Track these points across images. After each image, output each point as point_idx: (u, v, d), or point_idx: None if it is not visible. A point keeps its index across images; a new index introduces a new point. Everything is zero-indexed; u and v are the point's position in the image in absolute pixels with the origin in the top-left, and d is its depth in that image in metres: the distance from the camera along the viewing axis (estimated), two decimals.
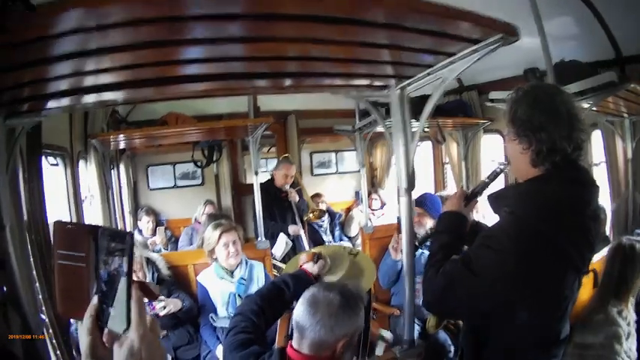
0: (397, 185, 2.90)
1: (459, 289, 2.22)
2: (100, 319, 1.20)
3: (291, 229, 6.48)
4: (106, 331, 1.20)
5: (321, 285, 2.43)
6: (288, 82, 2.75)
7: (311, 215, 6.78)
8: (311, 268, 3.16)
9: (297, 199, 6.64)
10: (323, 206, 7.82)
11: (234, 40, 1.76)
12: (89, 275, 1.21)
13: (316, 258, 3.22)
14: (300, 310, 2.31)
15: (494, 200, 2.42)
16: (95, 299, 1.18)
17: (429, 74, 2.56)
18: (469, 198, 2.73)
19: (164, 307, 4.12)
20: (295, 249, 6.44)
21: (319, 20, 1.61)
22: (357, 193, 8.69)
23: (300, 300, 2.35)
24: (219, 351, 4.21)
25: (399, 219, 3.10)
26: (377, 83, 2.89)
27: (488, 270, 2.13)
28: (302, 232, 6.55)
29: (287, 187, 6.54)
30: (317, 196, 8.03)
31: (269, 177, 6.75)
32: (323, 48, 2.03)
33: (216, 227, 4.43)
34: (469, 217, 2.71)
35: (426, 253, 4.10)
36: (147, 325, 1.13)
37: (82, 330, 1.22)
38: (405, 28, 1.84)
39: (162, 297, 4.20)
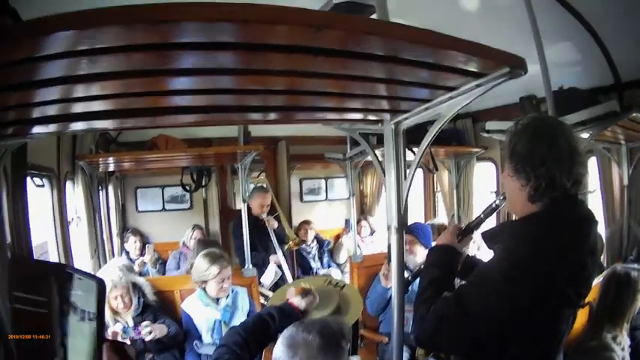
0: (388, 223, 2.84)
1: (450, 328, 2.17)
2: None
3: (272, 258, 6.48)
4: None
5: (300, 324, 2.38)
6: (278, 116, 2.70)
7: (291, 244, 6.79)
8: (298, 302, 3.11)
9: (276, 225, 6.65)
10: (312, 233, 7.85)
11: (225, 71, 1.72)
12: (52, 324, 1.11)
13: (304, 293, 3.18)
14: (278, 351, 2.27)
15: (490, 238, 2.38)
16: (61, 354, 1.09)
17: (426, 109, 2.50)
18: (464, 233, 2.70)
19: (150, 332, 4.07)
20: (283, 278, 6.42)
21: (313, 52, 1.58)
22: (347, 221, 8.65)
23: (279, 340, 2.32)
24: None
25: (389, 247, 3.06)
26: (371, 117, 2.84)
27: (480, 309, 2.09)
28: (283, 261, 6.52)
29: (264, 215, 6.55)
30: (306, 223, 8.06)
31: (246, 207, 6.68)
32: (316, 81, 1.99)
33: (214, 262, 4.37)
34: (463, 252, 2.68)
35: (416, 282, 4.11)
36: None
37: None
38: (401, 60, 1.78)
39: (148, 322, 4.16)
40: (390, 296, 4.60)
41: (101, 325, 1.03)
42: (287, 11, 1.33)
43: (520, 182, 2.21)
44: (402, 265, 2.80)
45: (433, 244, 2.82)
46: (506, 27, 4.48)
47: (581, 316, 3.19)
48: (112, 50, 1.37)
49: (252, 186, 7.31)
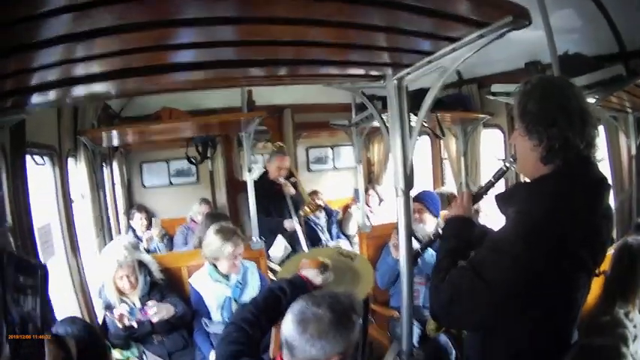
0: (394, 185, 2.77)
1: (466, 296, 2.14)
2: None
3: (287, 223, 6.36)
4: None
5: (309, 298, 2.31)
6: (280, 70, 2.64)
7: (307, 209, 6.67)
8: (314, 276, 3.04)
9: (293, 191, 6.53)
10: (320, 203, 7.70)
11: (225, 20, 1.66)
12: None
13: (322, 268, 3.11)
14: (288, 327, 2.22)
15: (503, 200, 2.36)
16: (7, 350, 1.00)
17: (429, 62, 2.42)
18: (475, 199, 2.71)
19: (156, 313, 4.00)
20: (293, 248, 6.35)
21: None
22: (356, 191, 8.57)
23: (288, 315, 2.27)
24: (213, 357, 4.10)
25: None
26: (373, 73, 2.78)
27: (498, 276, 2.05)
28: (298, 227, 6.43)
29: (281, 179, 6.43)
30: (314, 193, 7.97)
31: (263, 170, 6.66)
32: (318, 31, 1.93)
33: (227, 239, 4.26)
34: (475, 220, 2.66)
35: (429, 252, 4.04)
36: None
37: None
38: (403, 6, 1.73)
39: (154, 302, 4.09)
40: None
41: (45, 313, 0.94)
42: None
43: (532, 142, 2.16)
44: (410, 230, 2.78)
45: (445, 213, 2.79)
46: None
47: (595, 289, 3.11)
48: (110, 2, 1.31)
49: (260, 157, 7.25)
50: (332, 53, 2.34)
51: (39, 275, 0.97)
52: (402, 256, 2.79)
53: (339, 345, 2.17)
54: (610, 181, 4.43)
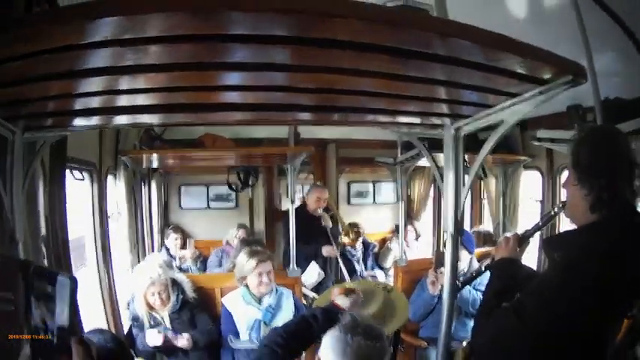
0: (443, 229, 2.80)
1: (508, 338, 2.17)
2: None
3: (325, 249, 6.39)
4: None
5: (343, 329, 2.30)
6: (333, 117, 2.69)
7: (345, 239, 6.77)
8: (342, 301, 3.07)
9: (331, 225, 6.55)
10: (360, 240, 7.69)
11: (277, 67, 1.66)
12: (18, 322, 1.05)
13: (348, 292, 3.14)
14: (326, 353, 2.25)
15: (551, 244, 2.39)
16: (27, 350, 1.02)
17: (488, 115, 2.45)
18: (521, 242, 2.70)
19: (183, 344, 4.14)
20: (325, 278, 6.38)
21: (374, 50, 1.51)
22: (396, 226, 8.54)
23: (327, 348, 2.27)
24: None
25: (437, 253, 2.99)
26: (431, 121, 2.80)
27: (539, 318, 2.08)
28: (337, 253, 6.48)
29: (320, 211, 6.47)
30: (354, 225, 7.91)
31: (301, 202, 6.70)
32: (374, 82, 1.93)
33: (252, 256, 4.34)
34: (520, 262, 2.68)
35: (466, 288, 4.06)
36: None
37: None
38: (463, 62, 1.72)
39: (188, 337, 4.18)
40: (435, 304, 4.59)
41: (74, 324, 0.94)
42: (356, 6, 1.28)
43: (583, 191, 2.16)
44: (456, 270, 2.81)
45: (479, 251, 2.81)
46: (554, 35, 4.40)
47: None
48: (159, 40, 1.32)
49: (299, 187, 7.28)
50: (390, 103, 2.36)
51: (68, 287, 0.96)
52: (445, 293, 2.82)
53: None
54: None
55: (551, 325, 2.04)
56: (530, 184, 7.40)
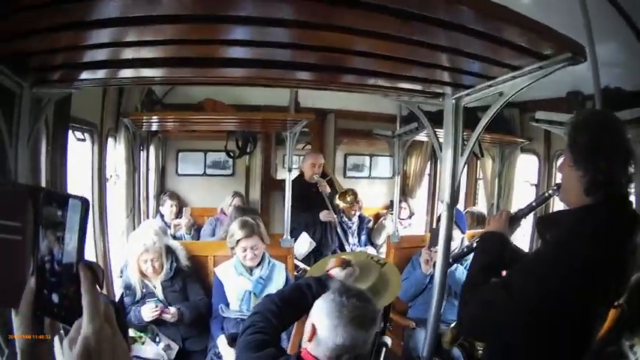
0: (439, 199, 2.83)
1: (496, 313, 2.20)
2: (40, 309, 1.02)
3: (323, 214, 6.45)
4: (47, 322, 1.04)
5: (344, 291, 2.34)
6: (335, 78, 2.68)
7: (341, 203, 6.78)
8: (337, 273, 3.06)
9: (329, 190, 6.57)
10: (357, 208, 7.71)
11: (283, 23, 1.67)
12: (26, 251, 1.04)
13: (345, 265, 3.12)
14: (347, 331, 2.23)
15: (544, 223, 2.43)
16: (32, 282, 1.02)
17: (489, 86, 2.47)
18: (513, 220, 2.70)
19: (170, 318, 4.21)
20: (321, 246, 6.46)
21: (383, 11, 1.53)
22: (391, 202, 8.56)
23: (339, 318, 2.26)
24: (221, 341, 4.23)
25: (433, 231, 3.01)
26: (431, 90, 2.81)
27: (528, 294, 2.11)
28: (334, 217, 6.55)
29: (316, 177, 6.47)
30: (352, 192, 7.93)
31: (298, 173, 6.70)
32: (380, 43, 1.93)
33: (240, 229, 4.36)
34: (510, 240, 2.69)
35: (460, 269, 4.09)
36: (102, 317, 0.95)
37: (16, 321, 1.04)
38: (469, 31, 1.75)
39: (175, 310, 4.23)
40: (427, 283, 4.65)
41: (82, 247, 0.94)
42: None
43: (579, 173, 2.18)
44: (450, 242, 2.85)
45: (472, 232, 2.83)
46: (558, 22, 4.39)
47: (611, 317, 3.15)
48: None
49: (295, 158, 7.30)
50: (394, 67, 2.36)
51: (79, 210, 0.96)
52: (437, 267, 2.88)
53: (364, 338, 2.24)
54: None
55: (541, 302, 2.08)
56: (526, 167, 7.44)
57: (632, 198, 2.26)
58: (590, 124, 2.22)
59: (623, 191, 2.18)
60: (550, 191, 2.68)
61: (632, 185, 2.20)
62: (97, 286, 0.95)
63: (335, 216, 6.56)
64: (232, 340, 4.14)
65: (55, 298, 1.00)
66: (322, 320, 2.26)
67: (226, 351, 4.15)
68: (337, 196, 6.67)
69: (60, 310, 1.00)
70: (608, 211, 2.14)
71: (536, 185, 7.16)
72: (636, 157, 2.19)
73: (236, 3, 1.46)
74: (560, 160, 5.69)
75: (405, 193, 8.86)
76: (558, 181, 2.47)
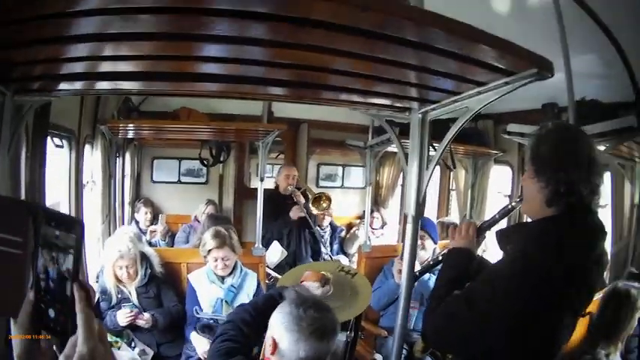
0: (405, 211, 2.87)
1: (459, 325, 2.21)
2: (37, 322, 1.07)
3: (293, 211, 6.46)
4: (43, 334, 1.08)
5: (300, 302, 2.36)
6: (305, 93, 2.71)
7: (315, 209, 6.82)
8: (314, 289, 3.13)
9: (303, 200, 6.60)
10: (327, 219, 7.75)
11: (256, 42, 1.71)
12: (26, 264, 1.08)
13: (324, 281, 3.18)
14: (309, 345, 2.24)
15: (503, 237, 2.42)
16: (31, 295, 1.07)
17: (455, 101, 2.51)
18: (478, 233, 2.73)
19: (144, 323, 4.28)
20: (295, 255, 6.50)
21: (349, 32, 1.57)
22: (363, 212, 8.62)
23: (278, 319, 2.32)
24: (193, 336, 4.31)
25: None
26: (399, 104, 2.85)
27: (487, 308, 2.13)
28: (304, 211, 6.52)
29: (290, 188, 6.51)
30: (326, 198, 7.95)
31: (274, 185, 6.76)
32: (348, 61, 1.98)
33: (211, 239, 4.43)
34: (475, 252, 2.71)
35: (431, 278, 4.14)
36: (96, 336, 1.00)
37: (15, 330, 1.08)
38: (435, 49, 1.79)
39: (149, 317, 4.29)
40: (399, 293, 4.70)
41: (77, 267, 0.99)
42: None
43: (540, 184, 2.22)
44: (414, 254, 2.86)
45: (444, 242, 2.86)
46: (535, 33, 4.45)
47: (580, 327, 3.19)
48: (144, 10, 1.36)
49: (269, 167, 7.33)
50: (361, 83, 2.40)
51: (75, 231, 1.01)
52: (403, 278, 2.86)
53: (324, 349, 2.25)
54: (610, 228, 4.47)
55: (498, 313, 2.11)
56: (499, 178, 7.51)
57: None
58: (551, 136, 2.26)
59: (586, 202, 2.19)
60: (513, 203, 2.73)
61: (596, 196, 2.22)
62: (91, 306, 1.01)
63: (305, 212, 6.56)
64: (203, 328, 4.28)
65: (51, 313, 1.05)
66: (282, 334, 2.27)
67: (198, 341, 4.25)
68: (311, 203, 6.73)
69: (55, 325, 1.05)
70: (570, 221, 2.17)
71: (509, 196, 7.24)
72: (601, 167, 2.23)
73: (209, 23, 1.48)
74: None
75: (378, 203, 8.90)
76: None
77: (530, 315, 2.10)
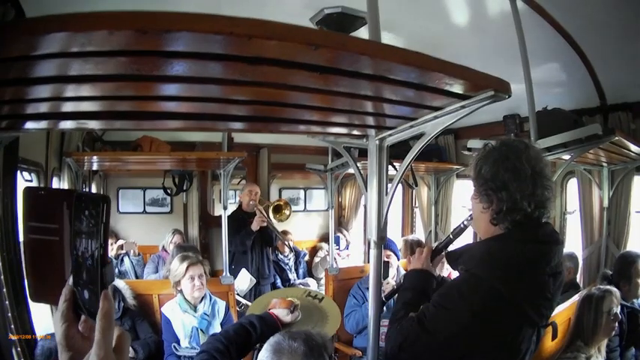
0: (367, 237, 2.88)
1: (413, 346, 2.25)
2: (77, 304, 1.08)
3: (254, 224, 6.54)
4: (83, 318, 1.09)
5: (286, 333, 2.35)
6: (263, 126, 2.74)
7: (276, 220, 7.21)
8: (284, 315, 3.16)
9: (265, 213, 6.75)
10: (289, 244, 7.83)
11: (213, 80, 1.74)
12: (63, 251, 1.11)
13: (293, 308, 3.22)
14: (264, 357, 2.26)
15: (452, 258, 2.48)
16: (71, 280, 1.07)
17: (411, 127, 2.54)
18: (434, 254, 2.79)
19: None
20: (259, 276, 6.63)
21: (302, 68, 1.61)
22: (327, 235, 8.66)
23: (265, 346, 2.30)
24: None
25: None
26: (356, 132, 2.88)
27: (441, 328, 2.19)
28: (266, 219, 6.65)
29: (252, 203, 6.68)
30: (284, 233, 8.00)
31: (237, 204, 6.98)
32: (303, 95, 2.01)
33: (183, 260, 4.50)
34: (435, 273, 2.75)
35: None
36: (110, 346, 1.01)
37: (55, 317, 1.09)
38: (389, 80, 1.82)
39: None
40: None
41: (104, 245, 1.01)
42: (285, 28, 1.37)
43: (482, 205, 2.33)
44: (380, 278, 2.85)
45: (406, 266, 2.88)
46: (494, 44, 4.57)
47: (545, 336, 3.26)
48: (102, 54, 1.39)
49: (232, 193, 7.39)
50: (317, 114, 2.43)
51: (101, 207, 1.00)
52: (370, 301, 2.87)
53: None
54: (580, 233, 4.57)
55: (450, 333, 2.16)
56: (463, 192, 7.64)
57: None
58: (491, 155, 2.32)
59: (533, 216, 2.23)
60: (465, 222, 2.79)
61: (544, 209, 2.27)
62: (110, 316, 1.03)
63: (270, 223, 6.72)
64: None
65: (85, 294, 1.07)
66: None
67: None
68: (272, 213, 6.82)
69: (90, 307, 1.06)
70: (515, 239, 2.22)
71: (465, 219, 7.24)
72: (549, 180, 2.29)
73: (167, 64, 1.52)
74: None
75: (341, 224, 9.00)
76: None
77: (480, 331, 2.15)
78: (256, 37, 1.32)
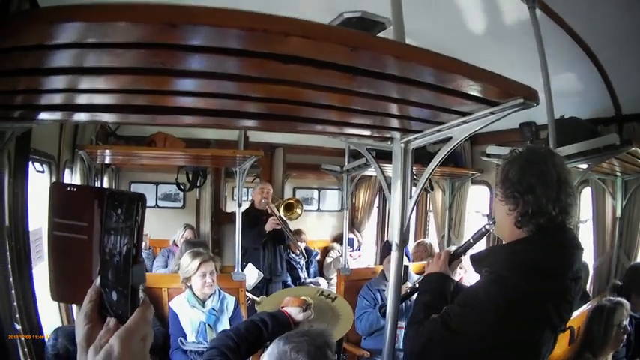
0: (389, 240, 2.84)
1: (437, 347, 2.24)
2: (103, 305, 1.05)
3: (268, 225, 6.53)
4: (108, 320, 1.05)
5: (288, 337, 2.34)
6: (281, 125, 2.72)
7: (288, 218, 7.03)
8: (296, 314, 3.13)
9: (277, 213, 6.75)
10: (302, 245, 7.82)
11: (231, 76, 1.71)
12: (92, 250, 1.09)
13: (306, 307, 3.19)
14: None
15: (477, 261, 2.45)
16: (98, 280, 1.05)
17: (438, 131, 2.50)
18: (452, 258, 2.77)
19: None
20: (271, 272, 6.62)
21: (326, 67, 1.57)
22: (340, 235, 8.64)
23: (268, 351, 2.30)
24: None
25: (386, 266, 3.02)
26: (381, 134, 2.84)
27: (466, 327, 2.17)
28: (279, 223, 6.60)
29: (264, 201, 6.64)
30: (297, 233, 8.00)
31: (250, 202, 6.89)
32: (327, 95, 1.98)
33: (195, 256, 4.46)
34: (452, 277, 2.73)
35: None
36: (135, 332, 1.00)
37: (79, 317, 1.06)
38: (418, 83, 1.79)
39: None
40: None
41: (137, 245, 0.99)
42: (327, 29, 1.38)
43: (508, 207, 2.30)
44: (400, 281, 2.82)
45: (426, 269, 2.86)
46: (514, 53, 4.55)
47: (563, 340, 3.24)
48: (119, 46, 1.37)
49: (245, 190, 7.38)
50: (341, 116, 2.39)
51: (135, 206, 1.01)
52: (389, 303, 2.83)
53: None
54: (592, 242, 4.52)
55: (476, 333, 2.15)
56: (477, 198, 7.59)
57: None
58: (518, 160, 2.32)
59: (557, 221, 2.23)
60: (487, 226, 2.75)
61: (568, 214, 2.26)
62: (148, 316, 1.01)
63: (278, 214, 6.70)
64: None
65: (114, 295, 1.03)
66: None
67: None
68: (283, 211, 6.81)
69: (117, 308, 1.04)
70: (540, 242, 2.22)
71: (488, 216, 7.26)
72: (572, 186, 2.29)
73: (184, 58, 1.50)
74: None
75: (354, 225, 8.97)
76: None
77: (504, 333, 2.14)
78: (293, 35, 1.30)
